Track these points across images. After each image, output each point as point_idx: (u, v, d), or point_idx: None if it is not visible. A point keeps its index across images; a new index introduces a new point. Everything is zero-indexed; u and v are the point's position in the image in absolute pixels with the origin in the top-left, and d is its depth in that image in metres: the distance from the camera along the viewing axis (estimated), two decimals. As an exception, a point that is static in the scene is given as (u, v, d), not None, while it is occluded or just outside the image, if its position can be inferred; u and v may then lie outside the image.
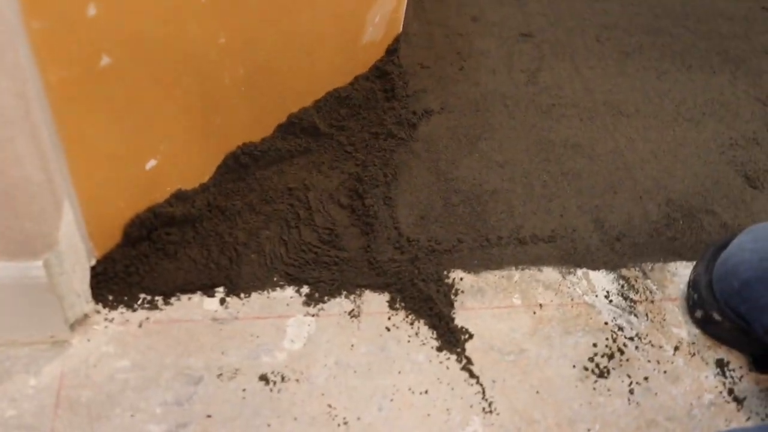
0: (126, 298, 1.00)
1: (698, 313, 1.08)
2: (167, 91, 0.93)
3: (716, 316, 1.06)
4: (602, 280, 1.14)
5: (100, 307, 0.99)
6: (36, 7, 0.70)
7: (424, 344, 1.01)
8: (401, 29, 1.39)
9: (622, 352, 1.05)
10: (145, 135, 0.94)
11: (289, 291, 1.05)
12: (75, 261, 0.91)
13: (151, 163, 0.98)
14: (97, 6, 0.76)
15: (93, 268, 0.99)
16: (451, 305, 1.06)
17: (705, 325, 1.08)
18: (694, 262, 1.15)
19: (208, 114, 1.03)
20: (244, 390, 0.93)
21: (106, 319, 0.98)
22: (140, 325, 0.98)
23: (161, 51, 0.88)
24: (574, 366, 1.02)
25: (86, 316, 0.97)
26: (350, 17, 1.20)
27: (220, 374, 0.94)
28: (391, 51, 1.37)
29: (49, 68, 0.76)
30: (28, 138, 0.74)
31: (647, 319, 1.10)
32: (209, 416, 0.90)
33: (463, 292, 1.08)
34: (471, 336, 1.03)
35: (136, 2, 0.81)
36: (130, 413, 0.89)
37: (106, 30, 0.79)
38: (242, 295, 1.03)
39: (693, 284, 1.10)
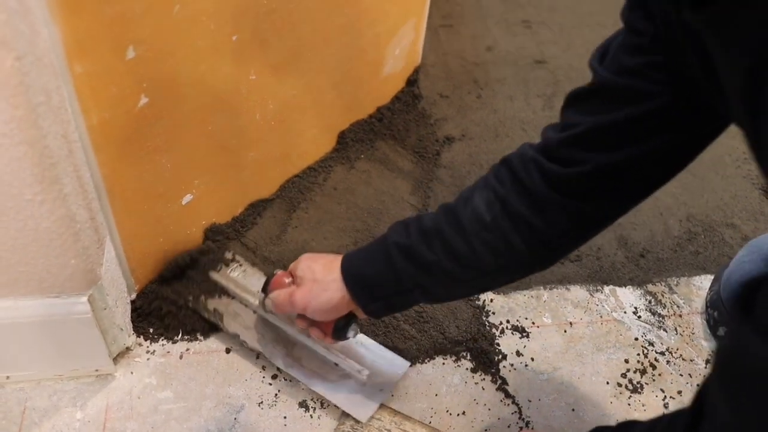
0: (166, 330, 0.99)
1: (721, 331, 1.05)
2: (202, 127, 0.93)
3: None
4: (629, 296, 1.11)
5: (141, 339, 0.98)
6: (79, 51, 0.70)
7: (458, 366, 0.99)
8: (420, 61, 1.39)
9: (654, 367, 1.02)
10: (181, 171, 0.94)
11: (324, 318, 1.03)
12: (117, 296, 0.91)
13: (187, 198, 0.98)
14: (136, 48, 0.76)
15: (133, 302, 0.98)
16: (483, 326, 1.04)
17: None
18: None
19: (241, 149, 1.03)
20: (284, 417, 0.91)
21: (147, 352, 0.97)
22: (181, 357, 0.97)
23: (196, 89, 0.88)
24: (607, 382, 0.99)
25: (128, 349, 0.96)
26: (372, 51, 1.20)
27: (261, 402, 0.93)
28: (411, 82, 1.37)
29: (91, 110, 0.76)
30: (72, 178, 0.73)
31: (677, 334, 1.07)
32: (252, 444, 0.88)
33: (494, 313, 1.06)
34: (504, 356, 1.01)
35: (172, 43, 0.81)
36: (175, 443, 0.88)
37: (143, 71, 0.79)
38: (278, 323, 1.01)
39: (711, 303, 1.07)
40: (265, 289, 0.90)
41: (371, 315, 0.82)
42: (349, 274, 0.79)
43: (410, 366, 0.96)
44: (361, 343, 0.97)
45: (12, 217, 0.72)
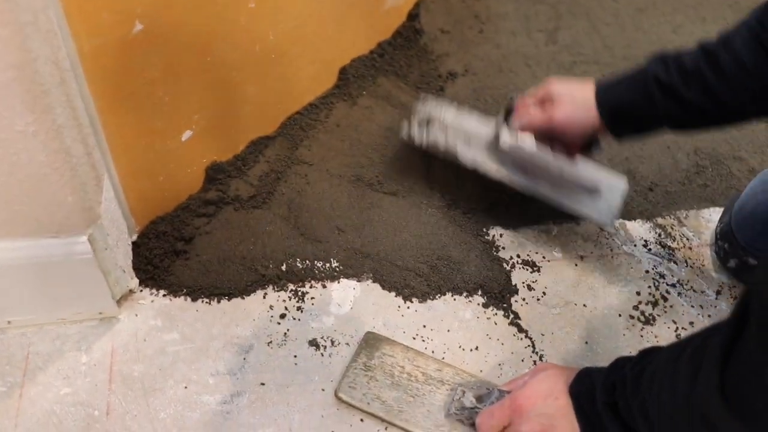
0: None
1: (732, 263, 1.01)
2: (200, 58, 0.86)
3: (752, 261, 0.99)
4: (639, 229, 1.07)
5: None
6: (67, -33, 0.63)
7: (470, 302, 0.95)
8: (421, -6, 1.32)
9: (665, 299, 0.98)
10: (180, 105, 0.88)
11: (331, 256, 0.98)
12: (118, 236, 0.85)
13: (187, 135, 0.92)
14: (128, -32, 0.69)
15: (135, 243, 0.93)
16: (494, 261, 1.00)
17: (739, 273, 1.01)
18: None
19: (241, 83, 0.96)
20: (295, 356, 0.87)
21: (151, 294, 0.92)
22: (185, 298, 0.92)
23: (193, 16, 0.81)
24: (619, 315, 0.96)
25: (131, 291, 0.91)
26: (374, -19, 1.13)
27: (270, 342, 0.88)
28: (413, 16, 1.30)
29: (82, 35, 0.70)
30: (65, 108, 0.67)
31: (687, 266, 1.03)
32: (263, 384, 0.84)
33: (504, 248, 1.01)
34: (516, 291, 0.97)
35: (166, -36, 0.74)
36: (184, 385, 0.84)
37: (137, -6, 0.73)
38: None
39: (721, 235, 1.03)
40: (508, 115, 0.95)
41: (618, 138, 0.88)
42: (605, 103, 0.85)
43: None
44: (586, 164, 1.00)
45: (4, 150, 0.66)
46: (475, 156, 1.00)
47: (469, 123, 1.04)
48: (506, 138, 0.97)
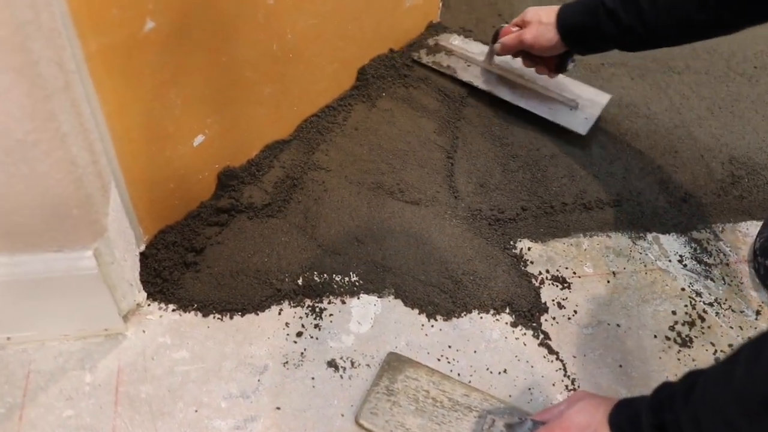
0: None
1: None
2: (215, 58, 0.80)
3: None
4: (674, 243, 1.01)
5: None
6: (73, -40, 0.57)
7: (497, 320, 0.89)
8: (442, -9, 1.26)
9: (702, 319, 0.92)
10: (192, 108, 0.81)
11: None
12: (125, 249, 0.79)
13: (199, 139, 0.86)
14: (140, -39, 0.63)
15: (142, 254, 0.87)
16: (522, 277, 0.93)
17: None
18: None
19: (257, 84, 0.90)
20: (312, 378, 0.81)
21: (160, 309, 0.86)
22: (196, 314, 0.86)
23: (208, 13, 0.75)
24: (655, 336, 0.90)
25: (139, 305, 0.85)
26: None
27: (286, 362, 0.82)
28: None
29: (89, 34, 0.63)
30: (70, 114, 0.61)
31: (725, 283, 0.97)
32: (278, 408, 0.78)
33: (532, 262, 0.95)
34: (546, 309, 0.91)
35: (181, -43, 0.67)
36: (194, 408, 0.78)
37: (149, -10, 0.66)
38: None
39: (761, 251, 0.97)
40: (495, 39, 1.10)
41: (578, 53, 1.04)
42: (562, 24, 0.99)
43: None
44: (570, 82, 1.16)
45: (1, 160, 0.60)
46: (470, 76, 1.17)
47: (469, 50, 1.20)
48: (492, 58, 1.15)
